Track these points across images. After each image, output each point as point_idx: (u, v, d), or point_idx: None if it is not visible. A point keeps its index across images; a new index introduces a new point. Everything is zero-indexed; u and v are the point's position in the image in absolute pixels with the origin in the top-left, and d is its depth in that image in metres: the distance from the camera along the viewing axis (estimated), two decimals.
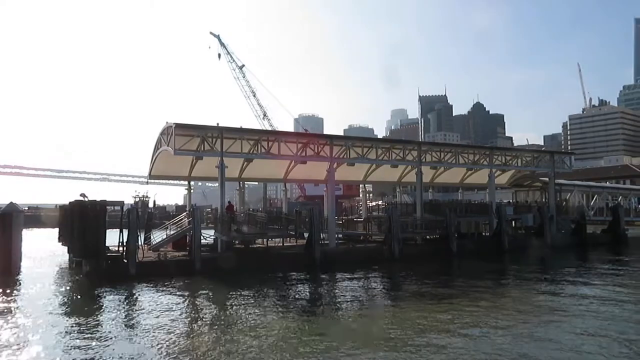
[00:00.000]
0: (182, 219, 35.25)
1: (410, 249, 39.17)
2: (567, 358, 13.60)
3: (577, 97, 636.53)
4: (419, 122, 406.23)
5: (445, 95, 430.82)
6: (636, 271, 33.73)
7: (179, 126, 33.29)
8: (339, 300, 23.41)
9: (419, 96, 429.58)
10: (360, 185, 57.15)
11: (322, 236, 35.84)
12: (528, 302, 21.74)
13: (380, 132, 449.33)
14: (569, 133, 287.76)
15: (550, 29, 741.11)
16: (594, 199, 60.44)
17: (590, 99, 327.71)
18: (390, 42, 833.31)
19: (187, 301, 23.39)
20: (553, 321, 17.60)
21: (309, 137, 44.31)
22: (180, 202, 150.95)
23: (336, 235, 39.98)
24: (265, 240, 38.57)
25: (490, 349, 14.26)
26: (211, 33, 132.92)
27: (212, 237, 35.44)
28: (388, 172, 48.80)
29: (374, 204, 63.21)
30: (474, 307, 20.10)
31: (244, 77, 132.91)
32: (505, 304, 21.00)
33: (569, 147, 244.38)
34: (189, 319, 19.55)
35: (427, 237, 43.37)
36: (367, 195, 67.34)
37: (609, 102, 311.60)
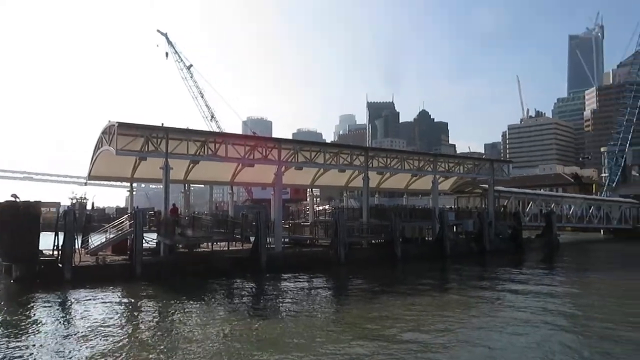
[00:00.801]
0: (123, 222, 33.97)
1: (356, 253, 39.60)
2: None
3: (516, 108, 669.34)
4: (367, 128, 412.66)
5: (392, 102, 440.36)
6: (566, 275, 35.60)
7: (121, 125, 32.13)
8: (284, 304, 23.29)
9: (367, 102, 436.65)
10: (308, 190, 57.22)
11: (268, 240, 35.59)
12: (467, 306, 22.45)
13: (329, 137, 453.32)
14: (507, 142, 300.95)
15: (493, 43, 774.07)
16: (530, 205, 63.42)
17: (528, 110, 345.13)
18: (341, 49, 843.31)
19: (125, 308, 22.54)
20: (487, 326, 18.27)
21: (257, 139, 43.96)
22: (122, 205, 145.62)
23: (283, 239, 39.84)
24: (210, 244, 37.83)
25: (422, 349, 14.64)
26: (158, 31, 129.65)
27: (155, 240, 34.39)
28: (336, 176, 49.21)
29: (321, 208, 63.55)
30: (414, 311, 20.56)
31: (191, 77, 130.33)
32: (445, 308, 21.62)
33: (508, 156, 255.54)
34: (126, 327, 18.70)
35: (373, 241, 44.01)
36: (315, 199, 67.54)
37: (545, 113, 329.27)
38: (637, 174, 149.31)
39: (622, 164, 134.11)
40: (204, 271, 30.94)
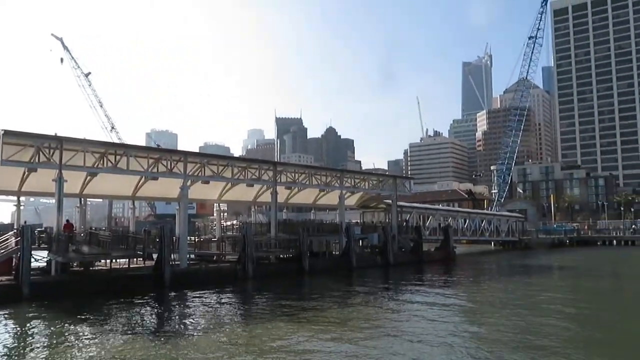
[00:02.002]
0: (7, 239, 30.90)
1: (264, 268, 39.30)
2: None
3: (416, 127, 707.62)
4: (275, 142, 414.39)
5: (300, 118, 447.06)
6: (461, 285, 37.98)
7: (7, 133, 29.39)
8: (187, 323, 22.40)
9: (276, 117, 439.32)
10: (215, 204, 55.99)
11: (173, 257, 34.23)
12: (371, 317, 23.09)
13: (237, 151, 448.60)
14: (409, 159, 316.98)
15: (398, 65, 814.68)
16: (429, 219, 67.06)
17: (427, 130, 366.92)
18: (251, 63, 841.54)
19: (8, 333, 20.42)
20: (390, 334, 18.96)
21: (161, 152, 42.28)
22: (7, 220, 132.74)
23: (188, 256, 38.54)
24: (108, 261, 35.57)
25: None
26: (53, 35, 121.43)
27: (46, 259, 31.67)
28: (244, 191, 48.67)
29: (228, 223, 62.37)
30: (321, 324, 20.76)
31: (90, 85, 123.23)
32: (351, 319, 22.09)
33: (409, 172, 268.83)
34: (9, 356, 16.99)
35: (281, 255, 43.97)
36: (222, 214, 66.21)
37: (442, 133, 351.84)
38: (522, 191, 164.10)
39: (509, 181, 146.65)
40: (101, 290, 28.97)
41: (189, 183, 38.47)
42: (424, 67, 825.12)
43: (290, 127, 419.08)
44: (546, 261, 56.88)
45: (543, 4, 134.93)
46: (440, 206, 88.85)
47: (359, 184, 54.14)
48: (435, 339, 17.56)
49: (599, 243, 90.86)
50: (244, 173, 42.48)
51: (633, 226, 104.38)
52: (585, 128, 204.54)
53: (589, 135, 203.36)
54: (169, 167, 36.85)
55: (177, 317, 24.34)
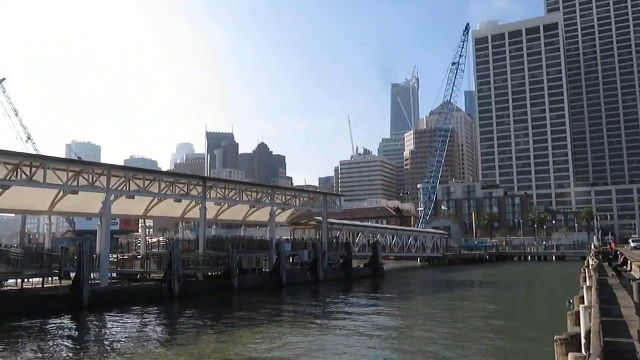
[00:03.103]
0: None
1: (191, 285, 38.10)
2: None
3: (347, 145, 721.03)
4: (205, 157, 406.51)
5: (232, 133, 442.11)
6: (388, 300, 38.77)
7: None
8: (104, 345, 21.15)
9: (207, 132, 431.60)
10: (140, 220, 53.80)
11: (92, 275, 32.39)
12: (300, 334, 23.00)
13: (165, 166, 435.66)
14: (339, 176, 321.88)
15: (330, 84, 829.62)
16: (359, 236, 68.20)
17: (357, 148, 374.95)
18: (183, 75, 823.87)
19: None
20: (318, 349, 18.98)
21: (82, 164, 40.13)
22: None
23: (110, 274, 36.63)
24: (19, 280, 33.00)
25: None
26: None
27: None
28: (171, 206, 47.20)
29: (154, 240, 60.10)
30: (249, 341, 20.41)
31: (4, 92, 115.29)
32: (280, 336, 21.87)
33: (340, 189, 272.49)
34: None
35: (209, 273, 42.87)
36: (147, 230, 63.71)
37: (372, 151, 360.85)
38: (446, 208, 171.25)
39: (434, 199, 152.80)
40: (9, 312, 26.76)
41: (112, 197, 36.78)
42: (355, 87, 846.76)
43: (221, 142, 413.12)
44: (468, 276, 59.45)
45: (465, 33, 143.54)
46: (369, 223, 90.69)
47: (289, 201, 54.16)
48: (363, 354, 17.75)
49: (515, 258, 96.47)
50: (171, 188, 41.23)
51: (544, 242, 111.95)
52: (503, 150, 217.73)
53: (507, 156, 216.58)
54: (90, 180, 35.05)
55: (93, 340, 22.91)
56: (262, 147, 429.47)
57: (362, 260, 63.17)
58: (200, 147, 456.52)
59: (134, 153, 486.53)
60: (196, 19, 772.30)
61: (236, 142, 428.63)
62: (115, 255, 42.58)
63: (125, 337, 22.95)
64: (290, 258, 51.96)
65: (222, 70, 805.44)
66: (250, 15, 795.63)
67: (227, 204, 49.88)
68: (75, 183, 34.60)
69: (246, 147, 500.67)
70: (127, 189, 37.51)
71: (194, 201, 45.46)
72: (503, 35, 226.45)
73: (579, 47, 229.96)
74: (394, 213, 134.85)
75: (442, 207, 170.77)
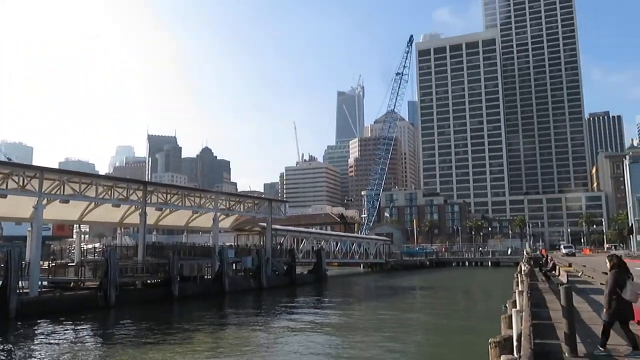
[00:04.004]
0: None
1: (128, 294, 36.69)
2: None
3: (293, 151, 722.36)
4: (147, 161, 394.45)
5: (175, 136, 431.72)
6: (331, 306, 39.04)
7: None
8: (35, 357, 20.03)
9: (148, 135, 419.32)
10: (75, 226, 51.41)
11: (21, 284, 30.55)
12: (242, 342, 22.70)
13: (103, 169, 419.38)
14: (285, 182, 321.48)
15: (277, 90, 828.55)
16: (303, 242, 68.25)
17: (303, 154, 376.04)
18: (121, 75, 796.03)
19: None
20: (261, 357, 18.82)
21: (12, 166, 37.80)
22: None
23: (40, 283, 34.69)
24: None
25: None
26: None
27: None
28: (109, 211, 45.44)
29: (90, 246, 57.61)
30: (189, 351, 19.91)
31: None
32: (222, 344, 21.49)
33: (285, 196, 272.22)
34: None
35: (149, 281, 41.48)
36: (83, 236, 60.97)
37: (317, 158, 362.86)
38: (388, 215, 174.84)
39: (377, 206, 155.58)
40: None
41: (44, 202, 34.93)
42: (302, 94, 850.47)
43: (163, 146, 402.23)
44: (409, 282, 60.84)
45: (409, 44, 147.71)
46: (313, 229, 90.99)
47: (234, 207, 53.47)
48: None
49: (453, 264, 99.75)
50: (110, 192, 39.68)
51: (480, 249, 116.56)
52: (443, 159, 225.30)
53: (447, 165, 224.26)
54: (21, 183, 33.14)
55: (19, 354, 21.57)
56: (206, 152, 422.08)
57: (306, 266, 63.26)
58: (142, 150, 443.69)
59: (69, 155, 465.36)
60: (139, 17, 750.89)
61: (179, 145, 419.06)
62: (47, 263, 40.40)
63: (55, 351, 21.75)
64: (234, 265, 51.24)
65: (167, 72, 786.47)
66: (199, 17, 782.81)
67: (168, 209, 48.59)
68: (4, 186, 32.65)
69: (190, 151, 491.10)
70: (62, 193, 35.73)
71: (133, 206, 43.95)
72: (444, 48, 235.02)
73: (514, 62, 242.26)
74: (339, 220, 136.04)
75: (385, 214, 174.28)
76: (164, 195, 45.01)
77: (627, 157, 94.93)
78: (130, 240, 66.85)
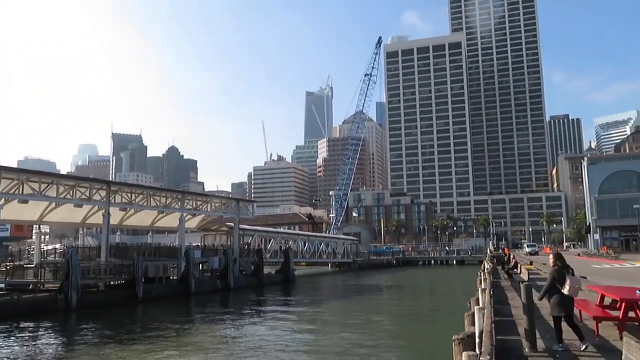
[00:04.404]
0: None
1: (91, 296, 35.73)
2: None
3: (261, 151, 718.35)
4: (111, 160, 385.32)
5: (140, 135, 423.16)
6: (299, 306, 39.01)
7: None
8: None
9: (112, 133, 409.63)
10: (35, 226, 49.77)
11: None
12: (209, 344, 22.44)
13: (65, 168, 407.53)
14: (252, 182, 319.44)
15: (246, 90, 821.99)
16: (271, 242, 67.98)
17: (271, 154, 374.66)
18: (85, 71, 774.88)
19: None
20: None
21: None
22: None
23: None
24: None
25: None
26: None
27: None
28: (71, 211, 44.18)
29: (50, 247, 55.85)
30: (153, 353, 19.56)
31: None
32: (185, 347, 21.19)
33: (253, 195, 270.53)
34: None
35: (112, 283, 40.49)
36: (43, 237, 59.07)
37: (285, 158, 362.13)
38: (356, 215, 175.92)
39: (345, 206, 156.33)
40: None
41: (2, 202, 33.70)
42: (271, 93, 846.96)
43: (128, 144, 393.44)
44: (376, 281, 61.38)
45: (377, 46, 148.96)
46: (281, 229, 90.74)
47: (200, 207, 52.78)
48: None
49: (420, 263, 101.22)
50: (72, 192, 38.58)
51: (446, 248, 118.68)
52: (410, 159, 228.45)
53: (414, 166, 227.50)
54: None
55: None
56: (173, 151, 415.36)
57: (274, 266, 63.02)
58: (106, 149, 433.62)
59: (29, 154, 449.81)
60: (109, 14, 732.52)
61: (145, 144, 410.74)
62: (4, 265, 38.95)
63: (11, 357, 21.00)
64: (200, 265, 50.59)
65: (132, 69, 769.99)
66: (169, 14, 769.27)
67: (133, 210, 47.59)
68: None
69: (156, 150, 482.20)
70: (20, 192, 34.54)
71: (96, 206, 42.86)
72: (412, 50, 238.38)
73: (479, 66, 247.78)
74: (307, 219, 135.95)
75: (353, 214, 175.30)
76: (129, 195, 44.07)
77: (585, 159, 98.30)
78: (93, 241, 65.15)
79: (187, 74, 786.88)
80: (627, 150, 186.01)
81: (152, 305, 37.08)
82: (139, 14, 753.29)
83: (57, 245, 60.98)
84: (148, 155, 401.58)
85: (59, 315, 31.05)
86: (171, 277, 46.39)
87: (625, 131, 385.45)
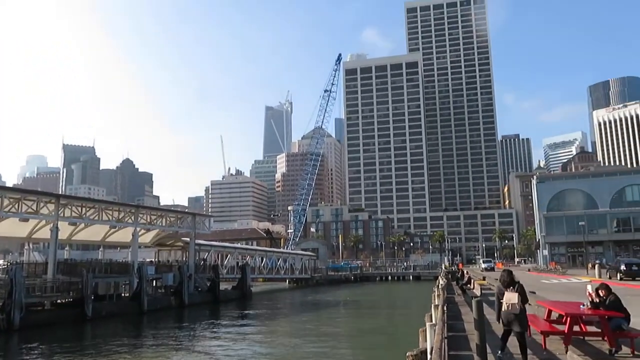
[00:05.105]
0: None
1: (35, 316, 34.05)
2: None
3: (220, 165, 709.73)
4: (61, 172, 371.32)
5: (93, 146, 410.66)
6: (255, 323, 38.47)
7: None
8: None
9: (63, 144, 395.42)
10: None
11: None
12: None
13: (11, 180, 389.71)
14: (210, 197, 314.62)
15: (205, 104, 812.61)
16: (228, 258, 66.92)
17: (229, 168, 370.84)
18: (35, 78, 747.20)
19: None
20: None
21: None
22: None
23: None
24: None
25: None
26: None
27: None
28: (16, 226, 42.22)
29: None
30: None
31: None
32: None
33: (210, 210, 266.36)
34: None
35: (59, 301, 38.70)
36: None
37: (244, 172, 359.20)
38: (314, 230, 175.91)
39: (304, 221, 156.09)
40: None
41: None
42: (231, 107, 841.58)
43: (80, 156, 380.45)
44: (334, 297, 61.33)
45: (337, 63, 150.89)
46: (238, 245, 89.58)
47: (155, 221, 51.50)
48: None
49: (377, 279, 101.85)
50: (17, 205, 36.89)
51: (404, 264, 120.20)
52: (368, 175, 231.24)
53: (372, 182, 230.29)
54: None
55: None
56: (127, 164, 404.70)
57: (230, 282, 61.99)
58: (56, 160, 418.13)
59: None
60: (59, 19, 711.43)
61: (98, 156, 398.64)
62: None
63: None
64: (154, 282, 49.18)
65: (88, 77, 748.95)
66: (130, 22, 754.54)
67: (83, 224, 45.91)
68: None
69: (109, 162, 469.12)
70: None
71: (44, 220, 41.10)
72: (371, 68, 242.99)
73: (435, 85, 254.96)
74: (265, 235, 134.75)
75: (312, 229, 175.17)
76: (79, 208, 42.51)
77: (534, 177, 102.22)
78: (40, 257, 62.39)
79: (145, 84, 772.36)
80: (573, 170, 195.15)
81: (101, 324, 35.68)
82: (97, 21, 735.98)
83: (0, 262, 57.98)
84: (101, 168, 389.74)
85: (0, 337, 29.38)
86: (123, 295, 44.83)
87: (571, 151, 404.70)
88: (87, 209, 43.33)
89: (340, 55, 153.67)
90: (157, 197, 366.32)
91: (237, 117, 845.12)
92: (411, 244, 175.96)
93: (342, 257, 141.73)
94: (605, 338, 10.31)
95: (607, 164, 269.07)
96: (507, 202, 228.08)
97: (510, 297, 9.62)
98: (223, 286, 57.31)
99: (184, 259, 57.85)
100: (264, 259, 74.75)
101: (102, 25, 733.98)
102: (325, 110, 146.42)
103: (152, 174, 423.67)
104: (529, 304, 10.99)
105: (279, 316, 43.03)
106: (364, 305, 52.01)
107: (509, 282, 9.85)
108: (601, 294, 10.90)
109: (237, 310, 47.47)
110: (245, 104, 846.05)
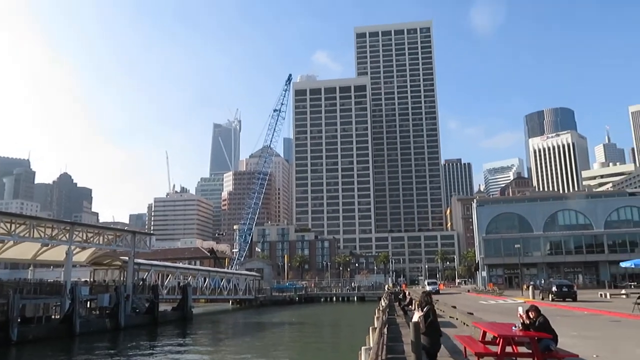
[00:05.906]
0: None
1: None
2: None
3: (164, 181, 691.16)
4: None
5: (28, 159, 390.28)
6: (194, 345, 37.26)
7: None
8: None
9: None
10: None
11: None
12: None
13: None
14: (153, 214, 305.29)
15: (151, 118, 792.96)
16: (168, 278, 64.76)
17: (174, 185, 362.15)
18: None
19: None
20: None
21: None
22: None
23: None
24: None
25: None
26: None
27: None
28: None
29: None
30: None
31: None
32: None
33: (152, 228, 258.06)
34: None
35: None
36: None
37: (189, 190, 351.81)
38: (260, 250, 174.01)
39: (250, 241, 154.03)
40: None
41: None
42: (177, 124, 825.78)
43: (13, 169, 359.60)
44: (278, 318, 60.52)
45: (287, 83, 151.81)
46: (180, 264, 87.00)
47: (91, 239, 49.17)
48: None
49: (322, 299, 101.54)
50: None
51: (350, 285, 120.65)
52: (315, 196, 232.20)
53: (319, 202, 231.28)
54: None
55: None
56: (65, 178, 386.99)
57: (171, 303, 59.92)
58: None
59: None
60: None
61: (33, 170, 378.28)
62: None
63: None
64: (88, 303, 46.74)
65: (25, 85, 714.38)
66: (69, 30, 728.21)
67: (12, 241, 43.18)
68: None
69: (45, 176, 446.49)
70: None
71: None
72: (320, 90, 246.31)
73: (382, 108, 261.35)
74: (209, 254, 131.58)
75: (257, 249, 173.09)
76: (8, 225, 40.00)
77: (475, 200, 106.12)
78: None
79: (88, 98, 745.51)
80: (511, 194, 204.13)
81: (27, 349, 33.45)
82: (35, 28, 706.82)
83: None
84: (36, 182, 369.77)
85: None
86: (53, 317, 42.27)
87: (509, 176, 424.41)
88: (17, 225, 40.85)
89: (290, 75, 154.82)
90: (96, 214, 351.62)
91: (184, 133, 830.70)
92: (356, 265, 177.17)
93: (287, 277, 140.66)
94: (535, 359, 10.67)
95: (541, 189, 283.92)
96: (449, 224, 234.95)
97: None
98: (163, 307, 55.32)
99: (122, 279, 55.45)
100: (207, 279, 72.89)
101: (40, 33, 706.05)
102: (274, 129, 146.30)
103: (91, 190, 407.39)
104: (466, 324, 11.27)
105: (220, 338, 41.95)
106: (308, 326, 51.62)
107: (424, 303, 10.67)
108: (531, 316, 11.30)
109: (177, 332, 45.87)
110: (192, 121, 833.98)
